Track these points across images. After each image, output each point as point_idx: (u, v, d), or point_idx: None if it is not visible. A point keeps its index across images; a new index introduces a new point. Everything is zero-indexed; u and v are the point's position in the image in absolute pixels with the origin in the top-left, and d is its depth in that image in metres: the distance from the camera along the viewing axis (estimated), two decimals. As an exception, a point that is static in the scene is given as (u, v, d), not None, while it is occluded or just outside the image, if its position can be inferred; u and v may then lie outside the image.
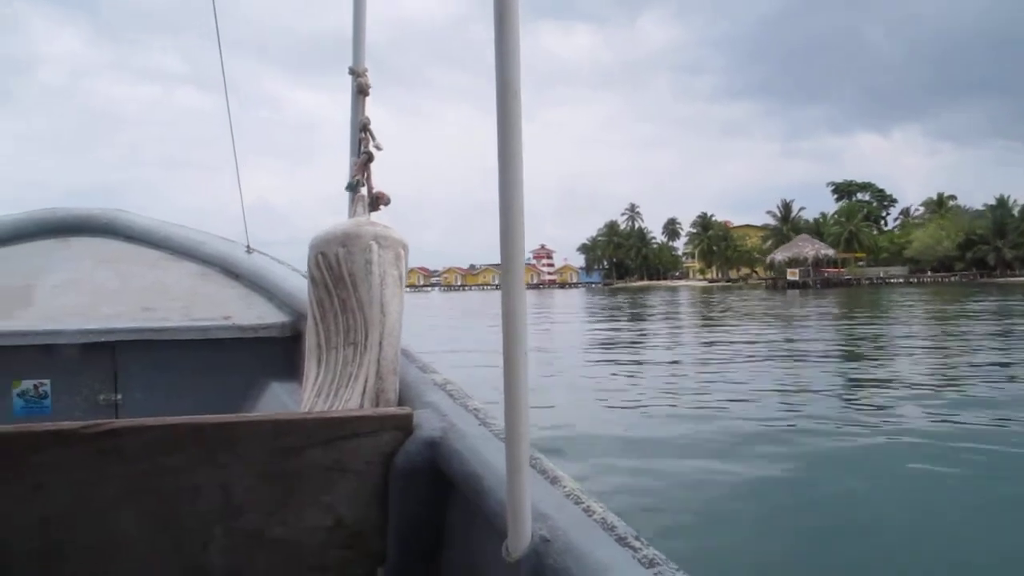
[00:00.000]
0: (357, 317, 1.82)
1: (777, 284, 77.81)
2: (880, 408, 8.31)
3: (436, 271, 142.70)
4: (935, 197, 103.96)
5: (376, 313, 1.78)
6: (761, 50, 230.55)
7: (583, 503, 1.14)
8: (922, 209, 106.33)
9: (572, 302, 50.86)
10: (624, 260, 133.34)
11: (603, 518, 1.09)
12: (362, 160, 2.00)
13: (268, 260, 3.12)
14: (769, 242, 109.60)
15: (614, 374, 11.76)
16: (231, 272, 3.14)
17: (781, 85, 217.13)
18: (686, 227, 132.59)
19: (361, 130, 2.04)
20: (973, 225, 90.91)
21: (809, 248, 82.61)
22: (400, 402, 1.76)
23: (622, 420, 7.93)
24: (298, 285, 2.81)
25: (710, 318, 27.87)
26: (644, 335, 20.27)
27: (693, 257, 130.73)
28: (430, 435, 1.48)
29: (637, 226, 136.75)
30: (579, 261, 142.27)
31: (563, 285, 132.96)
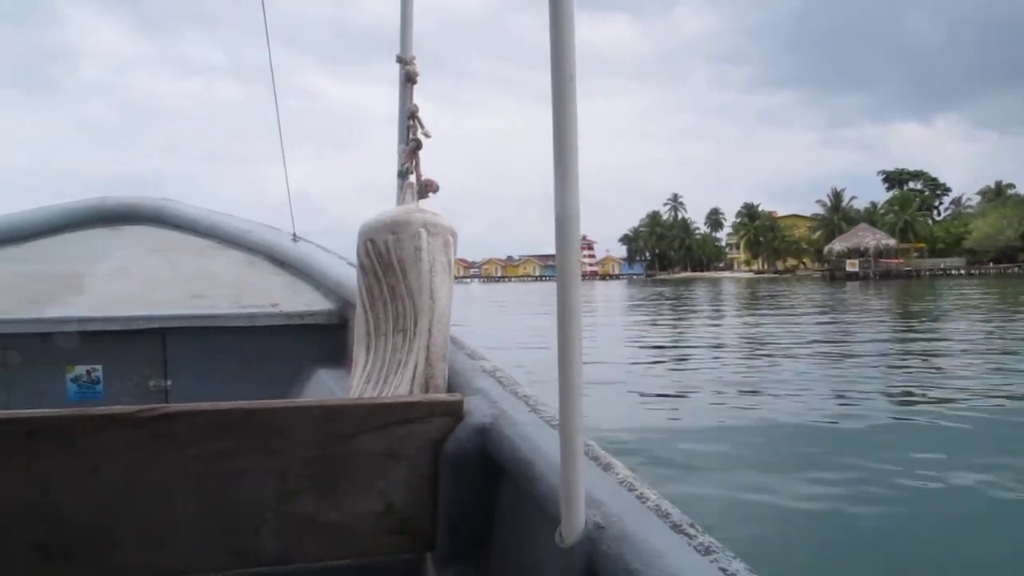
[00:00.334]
0: (406, 304, 1.84)
1: (835, 275, 75.69)
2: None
3: (475, 262, 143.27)
4: (992, 186, 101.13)
5: (425, 300, 1.79)
6: (798, 38, 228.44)
7: (636, 490, 1.14)
8: (977, 198, 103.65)
9: (615, 294, 49.70)
10: (667, 251, 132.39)
11: (657, 505, 1.08)
12: (411, 147, 2.02)
13: (314, 248, 3.17)
14: (819, 232, 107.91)
15: (688, 390, 9.70)
16: (277, 260, 3.20)
17: (819, 73, 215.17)
18: (728, 218, 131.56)
19: (409, 118, 2.06)
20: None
21: (870, 238, 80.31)
22: (449, 389, 1.78)
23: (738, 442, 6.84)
24: (344, 273, 2.85)
25: (785, 313, 25.26)
26: (718, 334, 18.19)
27: (737, 248, 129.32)
28: (480, 421, 1.49)
29: (680, 216, 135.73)
30: (620, 252, 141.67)
31: (604, 277, 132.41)
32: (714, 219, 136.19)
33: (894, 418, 7.71)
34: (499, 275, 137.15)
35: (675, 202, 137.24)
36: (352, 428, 1.45)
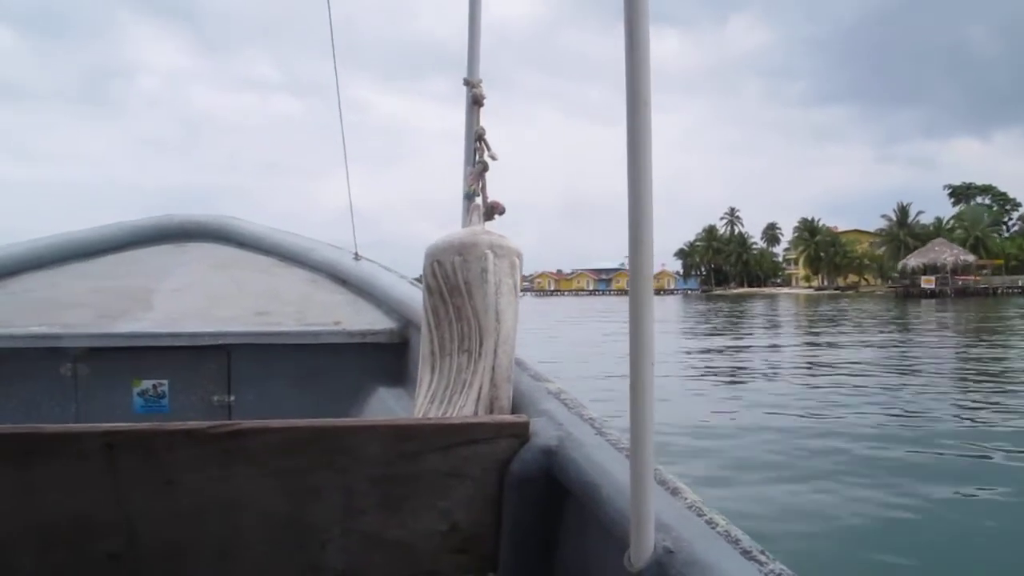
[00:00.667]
0: (472, 325, 1.86)
1: (909, 292, 73.74)
2: None
3: (527, 276, 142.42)
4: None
5: (491, 321, 1.81)
6: (852, 53, 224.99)
7: (706, 515, 1.14)
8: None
9: (673, 310, 48.14)
10: (723, 266, 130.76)
11: (727, 531, 1.08)
12: (478, 170, 2.05)
13: (376, 267, 3.23)
14: (883, 248, 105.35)
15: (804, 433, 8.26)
16: (339, 278, 3.27)
17: (873, 88, 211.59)
18: (785, 232, 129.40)
19: (476, 140, 2.09)
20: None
21: (947, 254, 78.28)
22: (513, 410, 1.79)
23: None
24: (406, 292, 2.89)
25: (892, 339, 22.12)
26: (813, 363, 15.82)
27: (795, 263, 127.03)
28: (546, 443, 1.50)
29: (737, 231, 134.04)
30: (675, 266, 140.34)
31: (659, 291, 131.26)
32: (771, 234, 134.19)
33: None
34: (552, 289, 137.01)
35: (732, 216, 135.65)
36: (419, 447, 1.46)
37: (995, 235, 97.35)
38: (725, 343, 21.51)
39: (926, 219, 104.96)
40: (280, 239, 3.52)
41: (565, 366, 13.01)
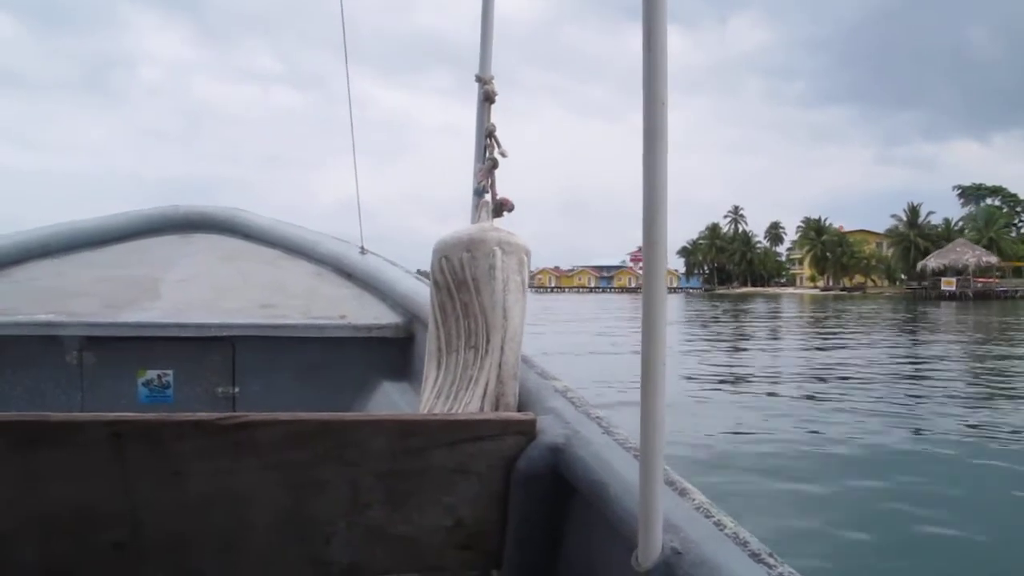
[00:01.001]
0: (479, 321, 1.88)
1: (928, 294, 72.10)
2: None
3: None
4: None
5: (498, 318, 1.84)
6: (853, 54, 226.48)
7: (714, 516, 1.15)
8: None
9: (677, 312, 44.32)
10: (726, 265, 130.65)
11: (735, 532, 1.09)
12: (487, 166, 2.07)
13: (381, 261, 3.26)
14: (891, 249, 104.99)
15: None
16: (345, 272, 3.30)
17: (873, 90, 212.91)
18: (788, 232, 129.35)
19: (487, 136, 2.12)
20: None
21: (969, 255, 76.66)
22: (520, 407, 1.81)
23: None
24: (411, 287, 2.93)
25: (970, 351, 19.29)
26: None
27: (800, 263, 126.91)
28: (553, 441, 1.51)
29: (740, 229, 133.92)
30: (678, 264, 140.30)
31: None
32: (774, 233, 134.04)
33: None
34: (552, 285, 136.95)
35: (736, 214, 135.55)
36: (424, 443, 1.48)
37: (1008, 236, 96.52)
38: (756, 352, 18.95)
39: (934, 220, 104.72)
40: (286, 232, 3.55)
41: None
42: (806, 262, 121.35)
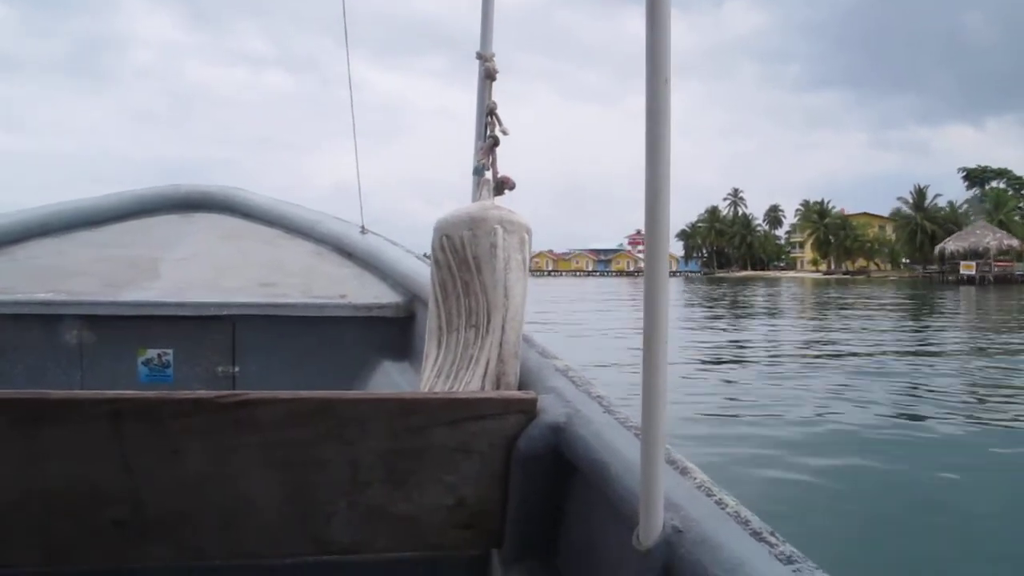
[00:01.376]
0: (480, 300, 1.90)
1: (944, 278, 70.73)
2: None
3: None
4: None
5: (499, 296, 1.85)
6: (848, 38, 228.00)
7: (715, 495, 1.17)
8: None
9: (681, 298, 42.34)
10: (725, 248, 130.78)
11: (736, 511, 1.11)
12: (488, 144, 2.08)
13: (382, 241, 3.28)
14: (896, 232, 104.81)
15: None
16: (345, 251, 3.33)
17: (869, 74, 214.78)
18: (787, 215, 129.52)
19: (488, 114, 2.12)
20: None
21: (990, 238, 74.80)
22: (521, 387, 1.82)
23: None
24: (412, 266, 2.95)
25: None
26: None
27: (801, 247, 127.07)
28: (554, 420, 1.53)
29: (740, 212, 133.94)
30: (676, 248, 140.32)
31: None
32: (773, 216, 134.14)
33: None
34: (550, 269, 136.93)
35: (735, 197, 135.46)
36: (426, 422, 1.49)
37: (1016, 219, 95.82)
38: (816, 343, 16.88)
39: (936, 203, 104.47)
40: (286, 211, 3.58)
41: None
42: (808, 245, 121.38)
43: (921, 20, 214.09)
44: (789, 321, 23.22)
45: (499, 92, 2.17)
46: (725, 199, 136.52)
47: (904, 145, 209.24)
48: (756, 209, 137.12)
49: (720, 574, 0.99)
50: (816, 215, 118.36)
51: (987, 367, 12.79)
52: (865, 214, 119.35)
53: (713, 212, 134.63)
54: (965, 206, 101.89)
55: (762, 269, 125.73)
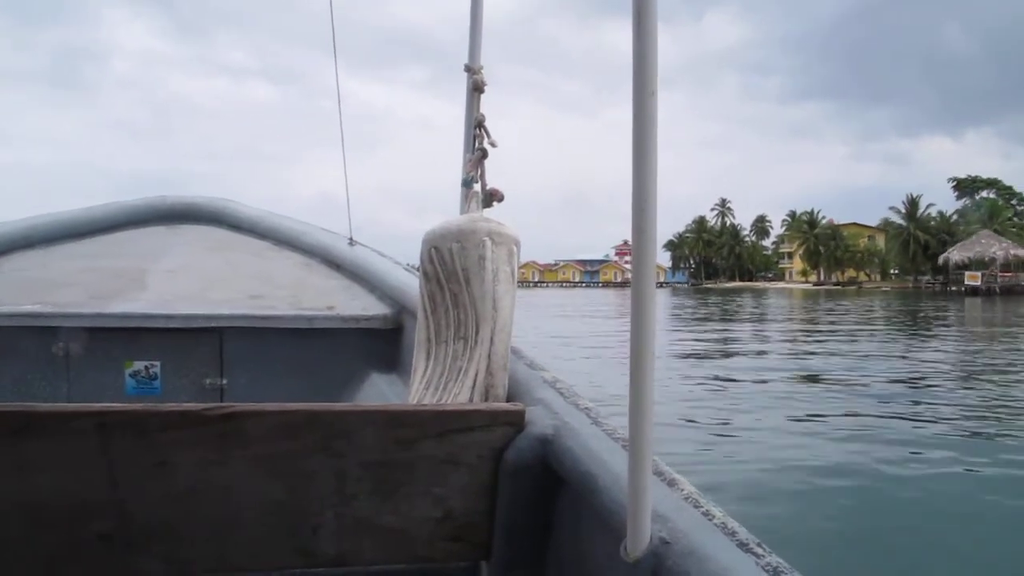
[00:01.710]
0: (468, 312, 1.93)
1: (949, 289, 69.66)
2: None
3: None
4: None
5: (488, 308, 1.88)
6: (830, 50, 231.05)
7: (702, 506, 1.19)
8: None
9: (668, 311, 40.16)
10: (713, 259, 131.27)
11: (723, 522, 1.13)
12: (477, 156, 2.12)
13: (370, 252, 3.31)
14: (888, 242, 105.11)
15: None
16: (333, 263, 3.36)
17: (850, 86, 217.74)
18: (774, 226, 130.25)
19: (476, 127, 2.17)
20: None
21: (996, 247, 74.07)
22: (509, 398, 1.85)
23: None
24: (400, 278, 2.98)
25: None
26: None
27: (790, 257, 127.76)
28: (542, 432, 1.55)
29: (728, 223, 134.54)
30: (664, 258, 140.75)
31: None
32: (760, 226, 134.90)
33: None
34: (536, 280, 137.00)
35: (723, 207, 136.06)
36: (413, 434, 1.51)
37: (1012, 229, 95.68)
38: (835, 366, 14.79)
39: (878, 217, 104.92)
40: (274, 222, 3.62)
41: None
42: (797, 256, 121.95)
43: (901, 33, 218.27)
44: (805, 345, 19.51)
45: (484, 103, 2.20)
46: (713, 209, 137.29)
47: (884, 157, 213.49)
48: (741, 219, 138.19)
49: None
50: (806, 225, 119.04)
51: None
52: (855, 224, 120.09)
53: (701, 222, 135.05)
54: (955, 216, 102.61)
55: (750, 280, 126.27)
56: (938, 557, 4.96)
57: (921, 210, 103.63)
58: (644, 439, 1.08)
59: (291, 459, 1.47)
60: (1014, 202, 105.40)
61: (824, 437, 8.27)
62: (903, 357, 16.75)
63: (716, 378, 12.80)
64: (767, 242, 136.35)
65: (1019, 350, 18.49)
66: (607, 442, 1.46)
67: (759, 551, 1.04)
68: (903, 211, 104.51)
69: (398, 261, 3.22)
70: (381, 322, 2.93)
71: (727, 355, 17.31)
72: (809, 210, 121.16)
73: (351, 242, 3.39)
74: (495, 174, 2.13)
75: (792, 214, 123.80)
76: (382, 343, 2.92)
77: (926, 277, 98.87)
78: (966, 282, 68.65)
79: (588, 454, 1.43)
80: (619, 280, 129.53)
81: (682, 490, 1.25)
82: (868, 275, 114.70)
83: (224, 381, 2.87)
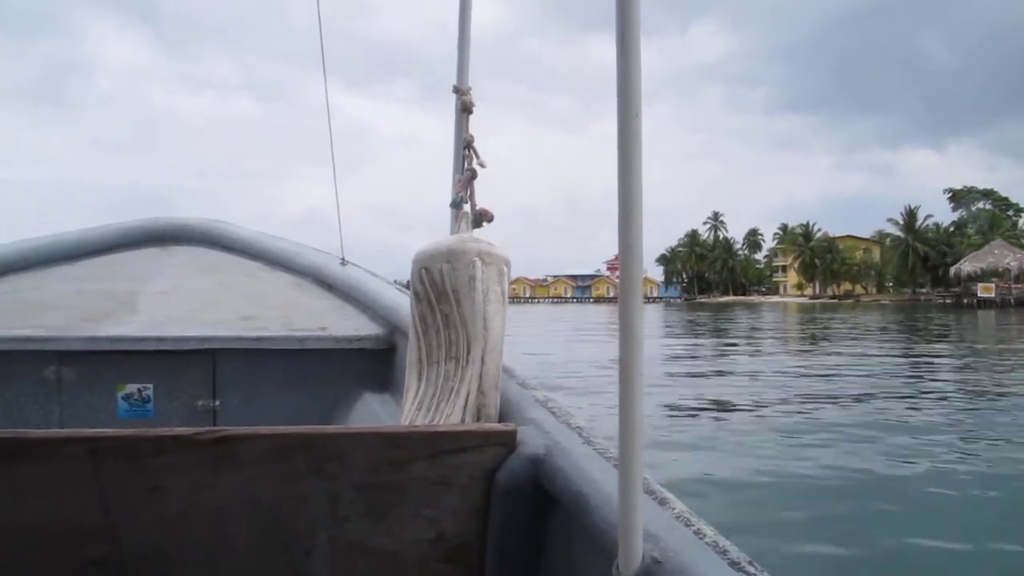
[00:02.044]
0: (459, 332, 1.96)
1: (960, 302, 67.86)
2: None
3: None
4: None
5: (479, 329, 1.92)
6: (814, 62, 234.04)
7: (693, 525, 1.21)
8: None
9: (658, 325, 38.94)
10: (706, 273, 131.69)
11: (715, 541, 1.15)
12: (466, 177, 2.16)
13: (362, 272, 3.35)
14: (886, 254, 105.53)
15: None
16: (325, 283, 3.40)
17: (835, 98, 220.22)
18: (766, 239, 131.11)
19: (465, 147, 2.20)
20: None
21: (1010, 258, 73.08)
22: (501, 418, 1.88)
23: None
24: (392, 298, 3.02)
25: None
26: None
27: (784, 271, 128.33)
28: (534, 452, 1.58)
29: (721, 236, 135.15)
30: (656, 273, 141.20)
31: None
32: (752, 240, 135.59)
33: None
34: (528, 296, 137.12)
35: (715, 221, 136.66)
36: (406, 455, 1.54)
37: (1012, 240, 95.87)
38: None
39: (865, 229, 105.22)
40: (266, 243, 3.66)
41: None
42: (792, 269, 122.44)
43: (885, 45, 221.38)
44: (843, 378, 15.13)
45: (473, 121, 2.25)
46: (705, 223, 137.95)
47: (869, 168, 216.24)
48: (731, 233, 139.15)
49: None
50: (801, 238, 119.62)
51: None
52: (850, 236, 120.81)
53: (693, 236, 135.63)
54: (952, 227, 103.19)
55: (744, 294, 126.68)
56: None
57: (920, 222, 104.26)
58: (634, 458, 1.10)
59: (284, 482, 1.50)
60: (1010, 212, 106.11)
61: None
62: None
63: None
64: (759, 255, 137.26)
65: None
66: (599, 461, 1.48)
67: (751, 570, 1.07)
68: (901, 222, 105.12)
69: (390, 281, 3.26)
70: (374, 342, 2.96)
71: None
72: (804, 223, 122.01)
73: (343, 262, 3.42)
74: (485, 191, 2.18)
75: (784, 227, 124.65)
76: (375, 363, 2.94)
77: (924, 289, 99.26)
78: (979, 294, 66.93)
79: (579, 474, 1.45)
80: (611, 295, 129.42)
81: (673, 508, 1.27)
82: (865, 288, 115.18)
83: (217, 403, 2.89)
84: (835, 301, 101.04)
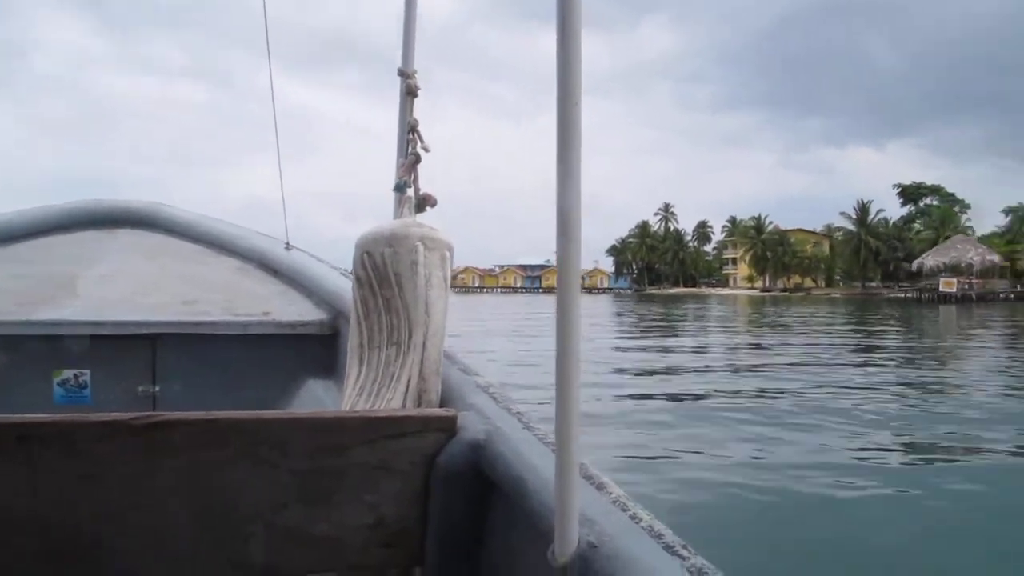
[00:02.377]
0: (401, 317, 1.98)
1: (921, 297, 69.27)
2: None
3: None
4: (1015, 205, 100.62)
5: (420, 314, 1.94)
6: (760, 61, 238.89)
7: (629, 510, 1.25)
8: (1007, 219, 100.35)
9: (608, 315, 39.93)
10: (657, 264, 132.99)
11: (650, 525, 1.19)
12: (410, 161, 2.18)
13: (307, 257, 3.34)
14: (838, 248, 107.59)
15: None
16: (270, 268, 3.38)
17: (780, 96, 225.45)
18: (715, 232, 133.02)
19: (409, 131, 2.22)
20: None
21: (973, 253, 73.90)
22: (442, 404, 1.91)
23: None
24: (337, 283, 3.02)
25: None
26: None
27: (733, 263, 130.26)
28: (474, 437, 1.61)
29: (672, 228, 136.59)
30: (607, 263, 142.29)
31: (591, 290, 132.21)
32: (702, 232, 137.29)
33: None
34: (477, 285, 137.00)
35: (666, 212, 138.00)
36: (345, 440, 1.55)
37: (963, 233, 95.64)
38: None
39: (819, 224, 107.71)
40: (210, 226, 3.61)
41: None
42: (743, 261, 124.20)
43: (828, 45, 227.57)
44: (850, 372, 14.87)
45: (418, 107, 2.27)
46: (656, 214, 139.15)
47: (813, 166, 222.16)
48: (681, 226, 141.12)
49: None
50: (753, 231, 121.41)
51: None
52: (801, 230, 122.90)
53: (644, 227, 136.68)
54: (902, 221, 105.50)
55: (694, 286, 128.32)
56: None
57: (872, 216, 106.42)
58: (571, 443, 1.12)
59: (220, 468, 1.50)
60: (956, 208, 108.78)
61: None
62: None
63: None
64: (708, 248, 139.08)
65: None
66: (538, 447, 1.51)
67: (684, 553, 1.10)
68: (853, 216, 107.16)
69: (335, 266, 3.25)
70: (317, 328, 2.96)
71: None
72: (756, 216, 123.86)
73: (288, 246, 3.41)
74: (429, 179, 2.20)
75: (732, 220, 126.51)
76: (319, 349, 2.94)
77: (874, 283, 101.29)
78: (941, 289, 67.50)
79: (519, 459, 1.48)
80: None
81: (610, 493, 1.31)
82: (815, 281, 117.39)
83: (157, 389, 2.86)
84: (786, 294, 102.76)
